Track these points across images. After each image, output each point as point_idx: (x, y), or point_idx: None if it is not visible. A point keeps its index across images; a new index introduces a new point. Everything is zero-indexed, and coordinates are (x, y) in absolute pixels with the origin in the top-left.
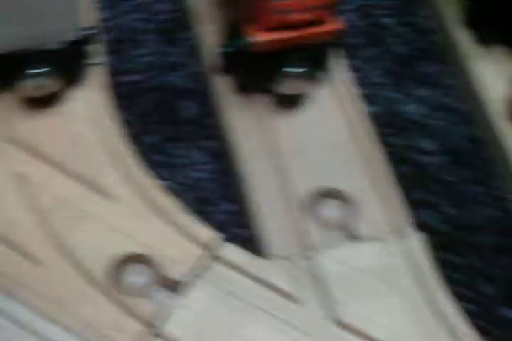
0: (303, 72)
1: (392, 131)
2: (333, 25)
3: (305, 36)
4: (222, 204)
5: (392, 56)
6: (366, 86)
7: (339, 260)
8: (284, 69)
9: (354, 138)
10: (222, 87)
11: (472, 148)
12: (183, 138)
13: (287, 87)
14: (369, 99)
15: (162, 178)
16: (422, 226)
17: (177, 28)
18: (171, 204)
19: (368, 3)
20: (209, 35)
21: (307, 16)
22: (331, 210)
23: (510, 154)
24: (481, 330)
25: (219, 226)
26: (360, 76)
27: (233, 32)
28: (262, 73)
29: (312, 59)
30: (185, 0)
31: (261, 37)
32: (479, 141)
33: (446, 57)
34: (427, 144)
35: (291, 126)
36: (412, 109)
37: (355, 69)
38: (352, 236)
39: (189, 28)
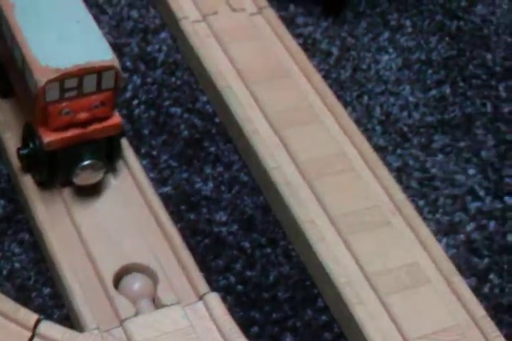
0: (96, 163)
1: (186, 207)
2: (112, 120)
3: (90, 132)
4: (39, 289)
5: (179, 140)
6: (158, 170)
7: (148, 326)
8: (79, 163)
9: (151, 217)
10: (27, 184)
11: (260, 215)
12: None
13: (84, 178)
14: (162, 181)
15: None
16: (219, 289)
17: None
18: None
19: (155, 96)
20: (10, 140)
21: (91, 114)
22: (136, 283)
23: (293, 216)
24: None
25: (38, 308)
26: (152, 161)
27: (29, 135)
28: (59, 169)
29: (103, 151)
30: None
31: (51, 137)
32: (266, 208)
33: (229, 135)
34: (219, 216)
35: (92, 212)
36: (202, 186)
37: (147, 155)
38: (157, 303)
39: None
